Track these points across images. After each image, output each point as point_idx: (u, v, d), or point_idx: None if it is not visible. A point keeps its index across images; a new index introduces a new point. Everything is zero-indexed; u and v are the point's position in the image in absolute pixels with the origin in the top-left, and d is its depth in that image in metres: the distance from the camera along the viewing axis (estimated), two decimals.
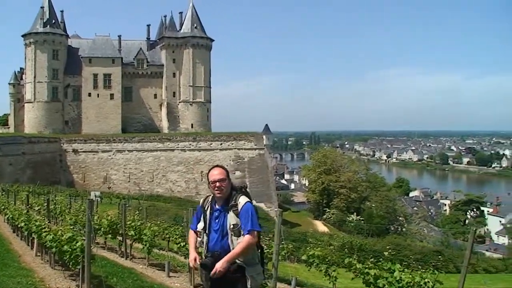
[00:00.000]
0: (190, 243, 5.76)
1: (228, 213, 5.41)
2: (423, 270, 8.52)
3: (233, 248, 5.30)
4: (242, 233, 5.32)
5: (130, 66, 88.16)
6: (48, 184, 60.40)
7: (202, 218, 5.58)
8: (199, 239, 5.60)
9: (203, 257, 5.44)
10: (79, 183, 70.15)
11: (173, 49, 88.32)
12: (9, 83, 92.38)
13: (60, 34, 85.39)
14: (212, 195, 5.62)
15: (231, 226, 5.34)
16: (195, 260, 5.44)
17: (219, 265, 5.16)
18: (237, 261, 5.31)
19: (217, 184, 5.42)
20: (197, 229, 5.61)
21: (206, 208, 5.58)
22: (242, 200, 5.47)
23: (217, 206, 5.52)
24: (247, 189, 5.72)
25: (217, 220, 5.46)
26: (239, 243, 5.30)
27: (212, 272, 5.16)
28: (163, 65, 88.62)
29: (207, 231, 5.50)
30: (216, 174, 5.48)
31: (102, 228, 15.75)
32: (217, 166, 5.66)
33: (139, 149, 72.86)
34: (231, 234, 5.35)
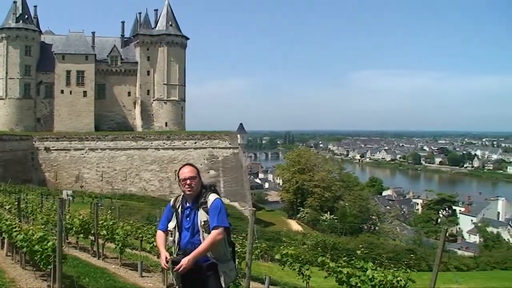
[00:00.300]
0: (159, 244, 5.67)
1: (198, 210, 5.44)
2: (396, 269, 8.60)
3: None
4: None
5: (104, 63, 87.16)
6: (19, 182, 59.36)
7: (174, 217, 5.57)
8: (170, 238, 5.58)
9: (175, 255, 5.42)
10: (51, 182, 69.16)
11: (147, 46, 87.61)
12: None
13: (33, 29, 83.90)
14: (182, 194, 5.63)
15: (202, 223, 5.37)
16: (166, 259, 5.37)
17: (184, 261, 5.16)
18: (210, 258, 5.34)
19: (188, 181, 5.44)
20: (168, 229, 5.59)
21: (177, 207, 5.58)
22: (212, 197, 5.50)
23: (187, 204, 5.54)
24: (216, 188, 5.74)
25: (188, 218, 5.48)
26: (205, 239, 5.33)
27: (177, 267, 5.16)
28: (137, 62, 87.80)
29: (178, 230, 5.50)
30: (186, 172, 5.50)
31: (74, 228, 15.59)
32: (187, 164, 5.69)
33: (112, 147, 72.14)
34: (202, 231, 5.38)
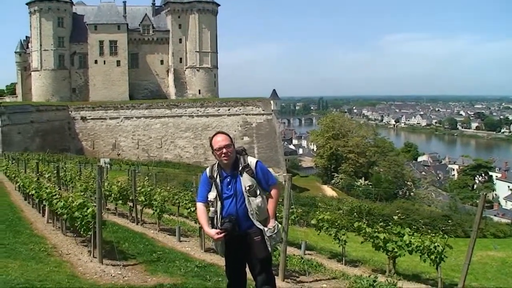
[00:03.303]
0: (203, 221, 5.56)
1: (241, 175, 5.39)
2: (433, 235, 8.51)
3: (250, 210, 5.34)
4: (258, 192, 5.38)
5: (136, 33, 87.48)
6: (57, 152, 60.77)
7: (213, 188, 5.49)
8: (212, 208, 5.47)
9: (219, 224, 5.37)
10: (88, 150, 70.51)
11: (178, 14, 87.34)
12: (15, 52, 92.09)
13: (65, 1, 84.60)
14: (216, 163, 5.55)
15: (247, 188, 5.34)
16: (216, 233, 5.30)
17: (271, 226, 5.40)
18: (256, 224, 5.35)
19: (224, 150, 5.35)
20: (209, 199, 5.49)
21: (215, 177, 5.50)
22: (252, 159, 5.49)
23: (225, 173, 5.46)
24: (246, 151, 5.71)
25: (229, 186, 5.41)
26: (272, 199, 5.51)
27: (267, 229, 5.35)
28: (169, 31, 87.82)
29: (219, 199, 5.43)
30: (220, 140, 5.40)
31: (112, 194, 15.87)
32: (220, 132, 5.59)
33: (147, 115, 72.92)
34: (248, 196, 5.35)
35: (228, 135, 5.53)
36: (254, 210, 5.33)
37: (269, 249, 5.41)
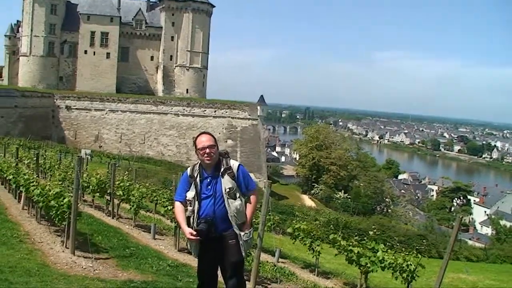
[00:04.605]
0: (180, 219, 5.58)
1: (222, 177, 5.38)
2: (406, 253, 8.58)
3: (230, 212, 5.34)
4: (237, 195, 5.39)
5: (129, 26, 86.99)
6: (39, 139, 60.16)
7: (192, 187, 5.48)
8: (189, 208, 5.46)
9: (195, 224, 5.37)
10: (70, 140, 69.96)
11: (173, 12, 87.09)
12: (5, 35, 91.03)
13: None
14: (198, 163, 5.54)
15: (227, 190, 5.34)
16: (191, 233, 5.33)
17: (248, 226, 5.46)
18: (234, 225, 5.38)
19: (207, 150, 5.35)
20: (187, 198, 5.48)
21: (195, 176, 5.48)
22: (234, 162, 5.50)
23: (206, 173, 5.46)
24: (229, 154, 5.72)
25: (209, 187, 5.40)
26: (251, 203, 5.55)
27: (243, 233, 5.38)
28: (161, 27, 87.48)
29: (197, 199, 5.42)
30: (205, 140, 5.40)
31: (90, 186, 15.74)
32: (204, 132, 5.59)
33: (133, 110, 72.58)
34: (227, 198, 5.34)
35: (213, 136, 5.53)
36: (233, 213, 5.33)
37: (243, 253, 5.41)
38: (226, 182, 5.36)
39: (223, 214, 5.34)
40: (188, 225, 5.44)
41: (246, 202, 5.55)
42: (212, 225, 5.26)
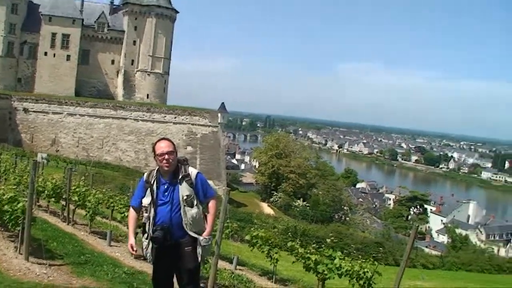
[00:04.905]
0: (130, 225, 5.66)
1: (180, 184, 5.37)
2: (363, 260, 8.70)
3: (185, 220, 5.33)
4: (194, 203, 5.37)
5: (90, 29, 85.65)
6: None
7: (148, 193, 5.46)
8: (145, 214, 5.47)
9: (150, 231, 5.37)
10: (27, 144, 68.30)
11: (136, 16, 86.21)
12: None
13: None
14: (156, 169, 5.52)
15: (184, 197, 5.33)
16: (132, 247, 5.46)
17: (207, 232, 5.46)
18: (189, 232, 5.34)
19: (166, 156, 5.33)
20: (143, 205, 5.49)
21: (152, 182, 5.46)
22: (193, 170, 5.49)
23: (163, 180, 5.43)
24: (188, 161, 5.68)
25: (166, 193, 5.38)
26: (211, 211, 5.55)
27: (202, 238, 5.35)
28: (124, 31, 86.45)
29: (153, 206, 5.40)
30: (164, 146, 5.38)
31: (46, 191, 15.41)
32: (164, 138, 5.56)
33: (91, 114, 71.45)
34: (184, 205, 5.33)
35: (172, 143, 5.52)
36: (188, 221, 5.34)
37: (199, 259, 5.42)
38: (184, 190, 5.35)
39: (180, 221, 5.34)
40: (144, 231, 5.47)
41: (204, 210, 5.55)
42: (168, 232, 5.25)
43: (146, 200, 5.45)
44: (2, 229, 10.63)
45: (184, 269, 5.38)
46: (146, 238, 5.44)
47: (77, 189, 14.47)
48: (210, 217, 5.54)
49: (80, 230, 13.80)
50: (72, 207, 14.89)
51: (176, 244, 5.32)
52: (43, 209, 16.94)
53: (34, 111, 69.73)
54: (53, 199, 15.54)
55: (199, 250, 5.37)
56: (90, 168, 49.24)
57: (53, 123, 70.28)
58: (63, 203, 15.18)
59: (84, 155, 68.68)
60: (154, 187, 5.42)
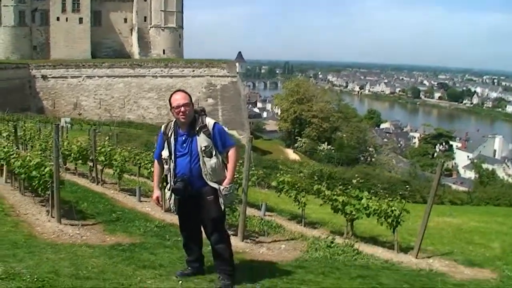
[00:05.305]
0: (154, 178, 5.86)
1: (198, 135, 5.35)
2: (390, 199, 8.67)
3: (204, 170, 5.33)
4: (213, 153, 5.36)
5: None
6: (18, 111, 59.23)
7: (165, 145, 5.50)
8: (165, 166, 5.53)
9: (172, 183, 5.42)
10: (49, 110, 69.09)
11: None
12: None
13: None
14: (173, 121, 5.54)
15: (203, 148, 5.31)
16: (157, 199, 5.70)
17: (228, 180, 5.45)
18: (209, 183, 5.35)
19: (182, 109, 5.32)
20: (162, 157, 5.53)
21: (170, 135, 5.48)
22: (210, 120, 5.45)
23: (181, 131, 5.43)
24: (205, 112, 5.65)
25: (184, 145, 5.39)
26: (230, 159, 5.53)
27: (223, 187, 5.37)
28: None
29: (172, 157, 5.43)
30: (179, 98, 5.37)
31: (72, 154, 15.62)
32: (179, 90, 5.56)
33: (110, 75, 71.67)
34: (202, 156, 5.32)
35: (188, 94, 5.49)
36: (208, 171, 5.33)
37: (222, 208, 5.45)
38: (202, 140, 5.33)
39: (199, 172, 5.34)
40: (167, 183, 5.55)
41: (224, 160, 5.55)
42: (188, 183, 5.28)
43: (165, 152, 5.49)
44: (33, 195, 10.84)
45: (208, 218, 5.43)
46: (169, 190, 5.49)
47: (102, 149, 14.63)
48: (230, 166, 5.51)
49: (109, 189, 13.99)
50: (99, 167, 15.08)
51: (197, 194, 5.35)
52: (71, 172, 17.19)
53: (52, 77, 70.18)
54: (80, 161, 15.78)
55: (221, 199, 5.38)
56: (114, 128, 49.71)
57: (73, 87, 70.73)
58: (90, 164, 15.35)
59: (107, 116, 69.30)
60: (172, 139, 5.44)
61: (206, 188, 5.36)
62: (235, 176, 6.08)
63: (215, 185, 5.36)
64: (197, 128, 5.36)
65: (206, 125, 5.38)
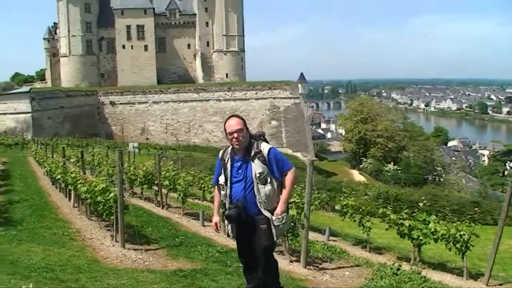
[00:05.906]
0: (215, 204, 5.85)
1: (252, 161, 5.27)
2: (459, 222, 8.30)
3: (259, 198, 5.25)
4: (268, 180, 5.26)
5: (163, 17, 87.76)
6: (87, 136, 61.58)
7: (222, 171, 5.48)
8: (222, 192, 5.52)
9: (227, 209, 5.37)
10: (118, 135, 71.37)
11: None
12: (44, 38, 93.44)
13: None
14: (231, 146, 5.47)
15: (257, 175, 5.22)
16: (215, 225, 5.69)
17: (279, 210, 5.28)
18: (263, 212, 5.25)
19: (235, 135, 5.25)
20: (219, 183, 5.52)
21: (226, 160, 5.44)
22: (265, 146, 5.35)
23: (237, 157, 5.37)
24: (265, 136, 5.59)
25: (239, 171, 5.32)
26: (287, 184, 5.37)
27: (275, 218, 5.25)
28: (195, 14, 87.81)
29: (228, 184, 5.39)
30: (233, 124, 5.30)
31: (138, 179, 15.95)
32: (233, 116, 5.48)
33: (175, 100, 73.38)
34: (257, 183, 5.23)
35: (242, 119, 5.42)
36: (262, 198, 5.23)
37: (274, 238, 5.33)
38: (257, 167, 5.23)
39: (254, 199, 5.26)
40: (224, 209, 5.58)
41: (282, 185, 5.42)
42: (243, 210, 5.21)
43: (222, 178, 5.48)
44: (99, 220, 11.09)
45: (259, 246, 5.32)
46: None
47: (167, 174, 14.83)
48: (284, 193, 5.37)
49: (174, 213, 14.13)
50: (164, 191, 15.31)
51: (252, 220, 5.27)
52: (138, 196, 17.54)
53: (120, 103, 72.61)
54: (145, 185, 16.07)
55: (273, 230, 5.27)
56: (180, 152, 50.63)
57: (140, 113, 72.78)
58: (156, 188, 15.61)
59: (173, 140, 70.81)
60: (228, 164, 5.40)
61: (260, 216, 5.27)
62: (289, 203, 5.94)
63: (268, 214, 5.25)
64: (252, 154, 5.28)
65: (261, 150, 5.29)
